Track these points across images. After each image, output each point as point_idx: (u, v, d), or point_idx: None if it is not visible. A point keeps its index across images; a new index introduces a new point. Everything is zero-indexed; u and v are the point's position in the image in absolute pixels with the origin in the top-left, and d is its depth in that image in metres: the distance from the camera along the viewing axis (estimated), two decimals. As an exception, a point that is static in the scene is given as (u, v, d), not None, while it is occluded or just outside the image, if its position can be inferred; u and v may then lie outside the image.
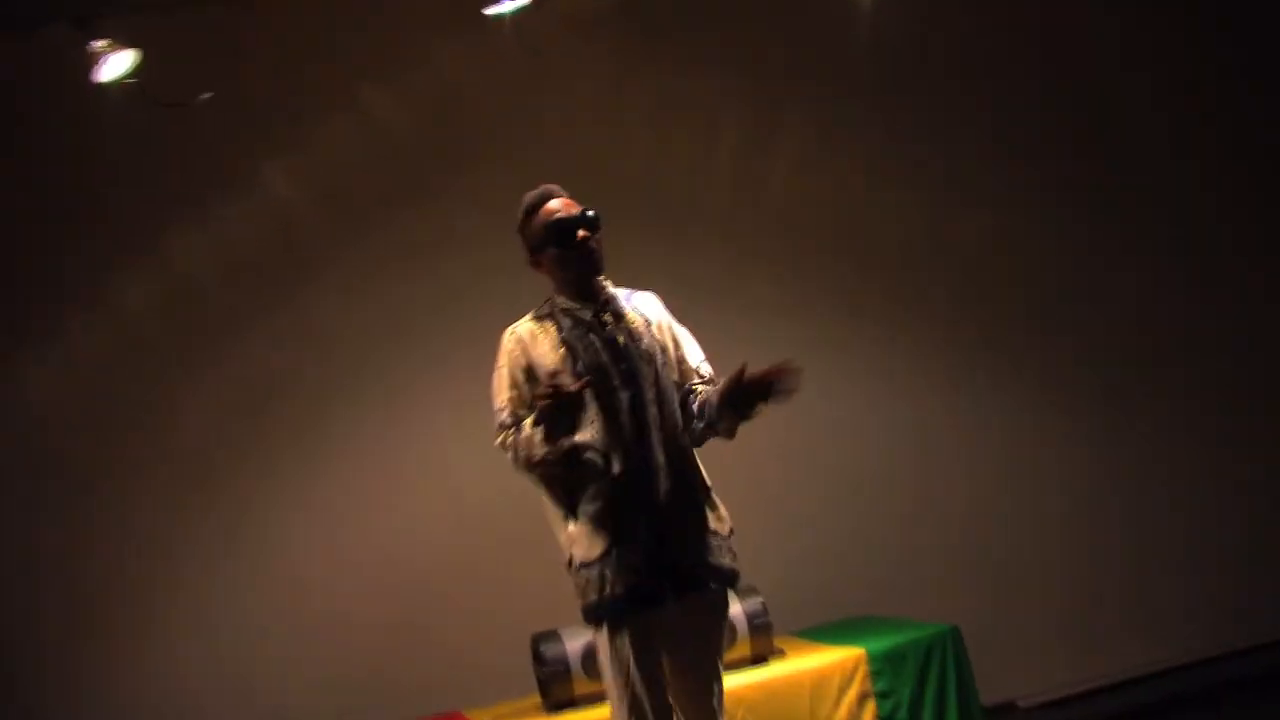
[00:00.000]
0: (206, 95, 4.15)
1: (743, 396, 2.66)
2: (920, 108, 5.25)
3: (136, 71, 4.02)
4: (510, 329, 2.87)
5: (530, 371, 2.79)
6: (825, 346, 4.91)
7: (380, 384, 4.65)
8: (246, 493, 4.52)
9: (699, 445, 2.84)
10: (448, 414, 4.54)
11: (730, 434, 2.78)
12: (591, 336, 2.81)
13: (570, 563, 2.79)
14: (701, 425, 2.79)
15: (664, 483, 2.73)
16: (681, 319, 3.01)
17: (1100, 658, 5.01)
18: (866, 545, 4.90)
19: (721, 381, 2.73)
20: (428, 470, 4.66)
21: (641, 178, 4.86)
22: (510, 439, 2.75)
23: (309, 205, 4.64)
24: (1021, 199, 5.33)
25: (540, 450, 2.68)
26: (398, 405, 4.67)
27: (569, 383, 2.63)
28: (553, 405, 2.59)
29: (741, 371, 2.65)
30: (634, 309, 2.90)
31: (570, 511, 2.78)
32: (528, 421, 2.73)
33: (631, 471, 2.71)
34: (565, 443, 2.66)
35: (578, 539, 2.76)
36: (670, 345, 2.88)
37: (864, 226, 5.20)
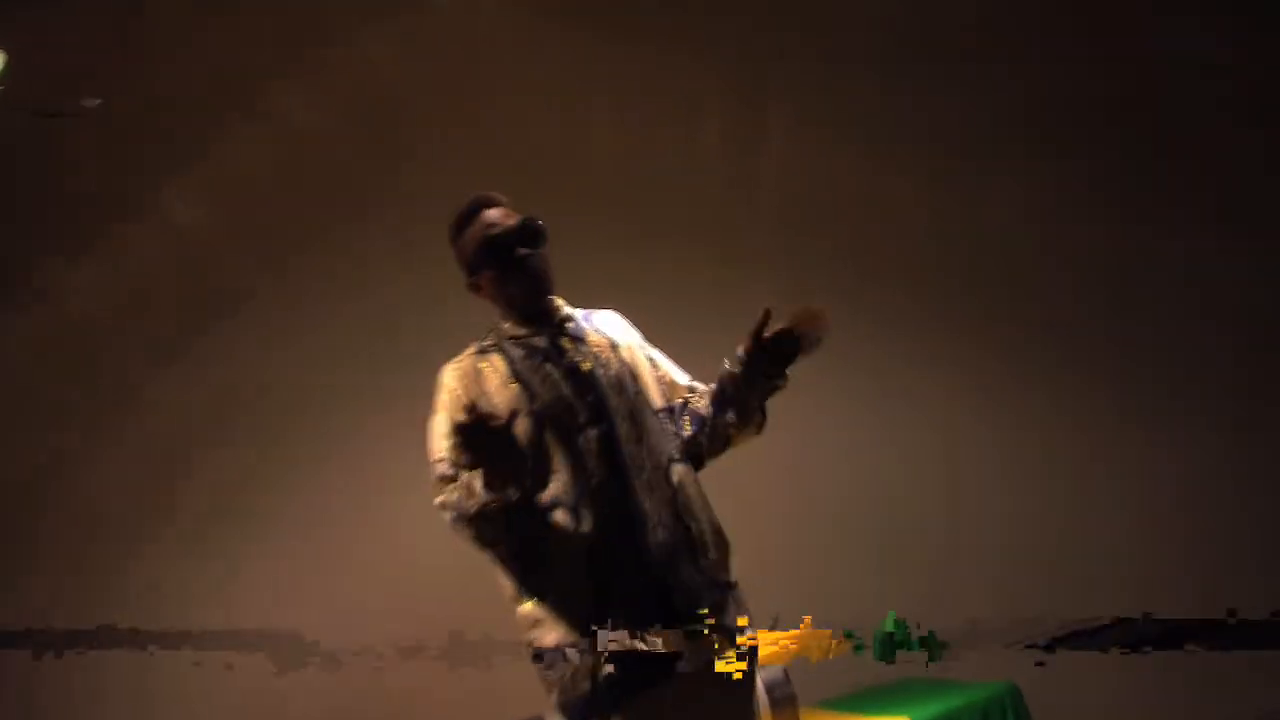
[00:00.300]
0: (94, 102, 3.94)
1: (770, 357, 2.48)
2: (933, 81, 4.85)
3: (3, 78, 3.79)
4: (450, 365, 2.61)
5: None
6: (832, 360, 4.47)
7: (337, 412, 4.52)
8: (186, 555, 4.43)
9: (724, 448, 2.60)
10: (409, 457, 4.16)
11: (760, 416, 2.56)
12: (548, 367, 2.54)
13: (533, 648, 2.46)
14: (730, 416, 2.55)
15: (654, 533, 2.44)
16: (658, 336, 2.77)
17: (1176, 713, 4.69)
18: (899, 595, 4.47)
19: (739, 349, 2.51)
20: (385, 530, 4.45)
21: (606, 173, 4.70)
22: (451, 496, 2.46)
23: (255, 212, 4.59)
24: (1054, 186, 4.91)
25: (477, 501, 2.37)
26: (350, 449, 4.52)
27: (502, 418, 2.34)
28: (470, 437, 2.28)
29: (761, 327, 2.46)
30: (596, 330, 2.65)
31: (529, 586, 2.46)
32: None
33: (608, 525, 2.42)
34: (511, 491, 2.36)
35: (545, 620, 2.44)
36: (646, 367, 2.63)
37: (872, 221, 4.96)
